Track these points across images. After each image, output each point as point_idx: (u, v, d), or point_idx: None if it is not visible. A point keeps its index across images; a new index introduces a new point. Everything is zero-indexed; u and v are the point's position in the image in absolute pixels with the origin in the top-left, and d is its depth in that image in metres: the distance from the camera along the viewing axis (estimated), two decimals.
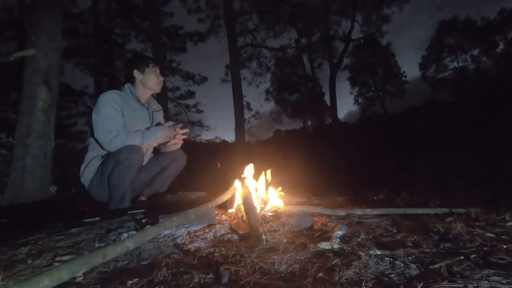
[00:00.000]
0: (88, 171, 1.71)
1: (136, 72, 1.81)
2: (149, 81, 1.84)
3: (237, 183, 1.70)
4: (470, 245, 1.02)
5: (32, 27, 2.55)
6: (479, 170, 3.68)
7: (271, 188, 1.77)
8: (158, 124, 1.92)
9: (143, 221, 1.33)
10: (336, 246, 1.03)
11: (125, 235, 1.21)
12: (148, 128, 1.73)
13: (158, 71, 1.88)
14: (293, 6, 14.24)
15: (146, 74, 1.82)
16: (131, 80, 1.83)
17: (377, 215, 1.61)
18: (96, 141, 1.67)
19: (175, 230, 1.28)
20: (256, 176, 1.79)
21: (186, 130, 1.82)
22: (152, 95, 1.98)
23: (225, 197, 1.63)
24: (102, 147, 1.66)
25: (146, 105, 1.92)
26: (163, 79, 1.92)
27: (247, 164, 1.81)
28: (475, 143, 6.19)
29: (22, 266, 0.92)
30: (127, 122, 1.71)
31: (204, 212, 1.36)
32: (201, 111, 16.16)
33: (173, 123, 1.77)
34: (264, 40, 15.97)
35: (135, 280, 0.80)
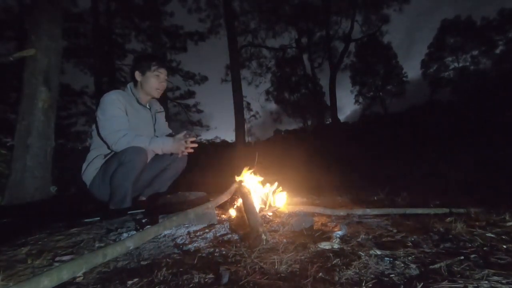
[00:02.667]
0: (90, 170, 1.71)
1: (137, 73, 1.77)
2: (147, 85, 1.77)
3: (237, 183, 1.70)
4: (470, 245, 1.02)
5: (32, 27, 2.55)
6: (479, 170, 3.68)
7: (270, 188, 1.77)
8: (169, 135, 1.90)
9: (143, 221, 1.33)
10: (336, 246, 1.03)
11: (125, 235, 1.21)
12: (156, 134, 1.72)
13: (162, 75, 1.79)
14: (294, 6, 14.25)
15: (146, 77, 1.75)
16: (134, 80, 1.80)
17: (377, 215, 1.61)
18: (101, 139, 1.67)
19: (175, 230, 1.28)
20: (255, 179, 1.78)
21: (195, 145, 1.73)
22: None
23: (225, 197, 1.63)
24: (108, 146, 1.66)
25: (148, 106, 1.91)
26: (164, 85, 1.81)
27: (247, 166, 1.81)
28: (475, 143, 6.19)
29: (22, 266, 0.92)
30: (131, 122, 1.71)
31: (204, 212, 1.36)
32: (201, 111, 16.19)
33: (185, 134, 1.71)
34: (264, 40, 16.02)
35: (135, 280, 0.80)
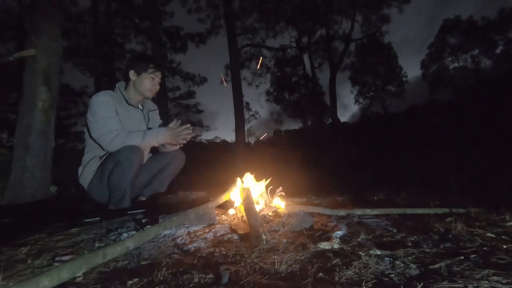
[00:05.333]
0: (86, 173, 1.71)
1: (131, 73, 1.75)
2: (141, 86, 1.76)
3: (237, 183, 1.70)
4: (470, 245, 1.02)
5: (32, 27, 2.54)
6: (480, 170, 3.68)
7: (269, 188, 1.77)
8: (161, 125, 1.90)
9: (143, 221, 1.33)
10: (336, 246, 1.03)
11: (125, 235, 1.21)
12: (149, 129, 1.72)
13: (157, 78, 1.79)
14: (294, 5, 14.25)
15: (141, 77, 1.75)
16: (127, 79, 1.78)
17: (377, 215, 1.61)
18: (95, 142, 1.66)
19: (175, 230, 1.28)
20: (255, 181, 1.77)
21: (190, 131, 1.70)
22: None
23: (225, 197, 1.63)
24: (102, 147, 1.65)
25: (140, 106, 1.89)
26: (158, 87, 1.82)
27: (247, 167, 1.80)
28: (475, 143, 6.19)
29: (22, 266, 0.92)
30: (122, 122, 1.70)
31: (204, 212, 1.35)
32: (201, 111, 16.22)
33: (176, 122, 1.70)
34: (264, 40, 16.00)
35: (135, 280, 0.80)
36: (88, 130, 1.68)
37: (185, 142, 1.76)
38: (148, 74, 1.75)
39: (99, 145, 1.65)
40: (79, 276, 0.82)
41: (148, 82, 1.76)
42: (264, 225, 1.30)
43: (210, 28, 14.32)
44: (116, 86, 1.80)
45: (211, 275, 0.81)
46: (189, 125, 1.69)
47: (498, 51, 21.71)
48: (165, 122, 2.08)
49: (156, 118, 2.00)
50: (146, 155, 1.94)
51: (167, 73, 14.43)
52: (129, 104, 1.79)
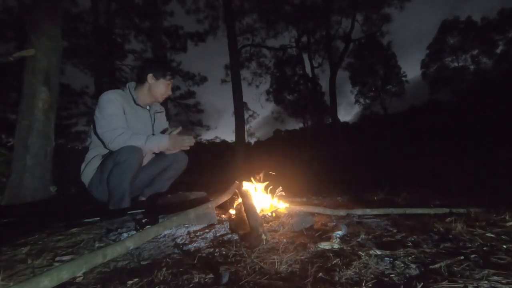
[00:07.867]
0: (88, 171, 1.72)
1: (150, 76, 1.78)
2: (157, 91, 1.81)
3: (237, 183, 1.70)
4: (470, 245, 1.02)
5: (32, 27, 2.55)
6: (479, 170, 3.68)
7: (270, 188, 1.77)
8: (164, 131, 1.91)
9: (143, 221, 1.33)
10: (336, 246, 1.03)
11: (125, 235, 1.21)
12: (154, 134, 1.73)
13: (171, 85, 1.87)
14: (294, 5, 14.26)
15: (158, 82, 1.80)
16: (141, 80, 1.80)
17: (377, 215, 1.61)
18: (98, 138, 1.68)
19: (175, 230, 1.28)
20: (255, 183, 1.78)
21: (192, 141, 1.77)
22: None
23: (225, 197, 1.63)
24: (104, 144, 1.66)
25: (148, 107, 1.91)
26: (170, 93, 1.90)
27: (247, 166, 1.80)
28: (475, 143, 6.19)
29: (22, 266, 0.92)
30: (129, 121, 1.72)
31: (204, 212, 1.35)
32: (202, 111, 16.21)
33: (179, 129, 1.75)
34: (264, 40, 16.01)
35: (135, 280, 0.80)
36: (94, 126, 1.71)
37: (185, 150, 1.82)
38: (166, 80, 1.82)
39: (102, 142, 1.67)
40: (79, 276, 0.82)
41: (163, 87, 1.82)
42: (264, 225, 1.30)
43: (209, 29, 14.36)
44: (127, 86, 1.84)
45: (211, 275, 0.81)
46: (191, 135, 1.74)
47: (498, 51, 21.69)
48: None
49: (162, 119, 2.01)
50: (149, 156, 1.94)
51: None
52: (137, 104, 1.82)
